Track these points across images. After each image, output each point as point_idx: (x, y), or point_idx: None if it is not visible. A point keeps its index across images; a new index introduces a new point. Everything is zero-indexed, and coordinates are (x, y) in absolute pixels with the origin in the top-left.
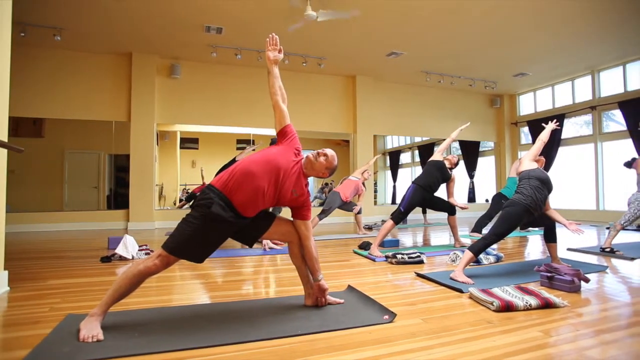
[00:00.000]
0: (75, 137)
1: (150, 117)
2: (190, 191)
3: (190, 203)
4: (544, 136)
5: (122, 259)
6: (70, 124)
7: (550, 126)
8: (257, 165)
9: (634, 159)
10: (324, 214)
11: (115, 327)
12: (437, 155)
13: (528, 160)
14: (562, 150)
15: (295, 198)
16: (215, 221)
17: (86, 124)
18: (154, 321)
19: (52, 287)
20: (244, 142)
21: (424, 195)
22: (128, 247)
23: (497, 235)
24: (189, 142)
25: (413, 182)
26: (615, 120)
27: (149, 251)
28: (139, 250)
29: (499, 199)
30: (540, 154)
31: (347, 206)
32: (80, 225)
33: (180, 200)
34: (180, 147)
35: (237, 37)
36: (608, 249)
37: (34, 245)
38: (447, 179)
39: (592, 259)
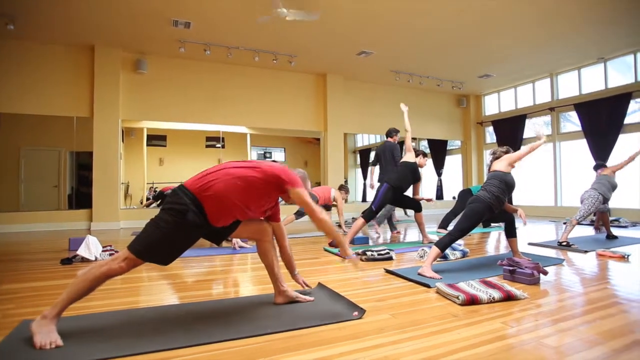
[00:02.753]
0: (33, 133)
1: (114, 113)
2: (158, 190)
3: (158, 202)
4: (535, 147)
5: (84, 260)
6: (26, 119)
7: (542, 141)
8: (236, 194)
9: (603, 165)
10: (299, 215)
11: (78, 332)
12: (410, 156)
13: (506, 164)
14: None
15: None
16: (189, 227)
17: (44, 119)
18: (119, 324)
19: (5, 292)
20: (213, 140)
21: (395, 195)
22: (91, 248)
23: (462, 230)
24: (157, 139)
25: (386, 182)
26: (572, 121)
27: (113, 252)
28: (102, 251)
29: (465, 195)
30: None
31: (323, 207)
32: (38, 226)
33: (148, 199)
34: (147, 145)
35: (206, 32)
36: (564, 243)
37: None
38: (417, 180)
39: (551, 253)
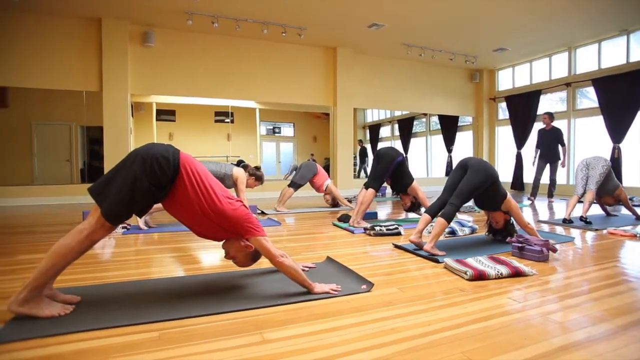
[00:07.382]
0: (43, 108)
1: (123, 87)
2: None
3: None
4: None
5: None
6: (35, 93)
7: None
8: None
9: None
10: (295, 186)
11: (92, 301)
12: None
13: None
14: (537, 126)
15: None
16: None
17: (54, 93)
18: (132, 294)
19: (22, 262)
20: (222, 115)
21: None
22: None
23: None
24: (166, 113)
25: None
26: (588, 97)
27: (127, 225)
28: None
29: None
30: (517, 130)
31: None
32: (52, 199)
33: None
34: (157, 119)
35: (214, 3)
36: (584, 218)
37: (1, 220)
38: None
39: (561, 230)
